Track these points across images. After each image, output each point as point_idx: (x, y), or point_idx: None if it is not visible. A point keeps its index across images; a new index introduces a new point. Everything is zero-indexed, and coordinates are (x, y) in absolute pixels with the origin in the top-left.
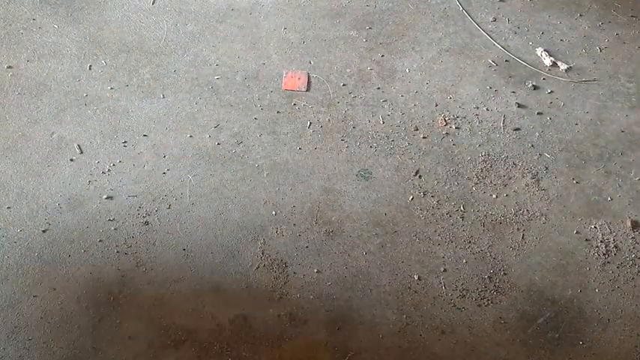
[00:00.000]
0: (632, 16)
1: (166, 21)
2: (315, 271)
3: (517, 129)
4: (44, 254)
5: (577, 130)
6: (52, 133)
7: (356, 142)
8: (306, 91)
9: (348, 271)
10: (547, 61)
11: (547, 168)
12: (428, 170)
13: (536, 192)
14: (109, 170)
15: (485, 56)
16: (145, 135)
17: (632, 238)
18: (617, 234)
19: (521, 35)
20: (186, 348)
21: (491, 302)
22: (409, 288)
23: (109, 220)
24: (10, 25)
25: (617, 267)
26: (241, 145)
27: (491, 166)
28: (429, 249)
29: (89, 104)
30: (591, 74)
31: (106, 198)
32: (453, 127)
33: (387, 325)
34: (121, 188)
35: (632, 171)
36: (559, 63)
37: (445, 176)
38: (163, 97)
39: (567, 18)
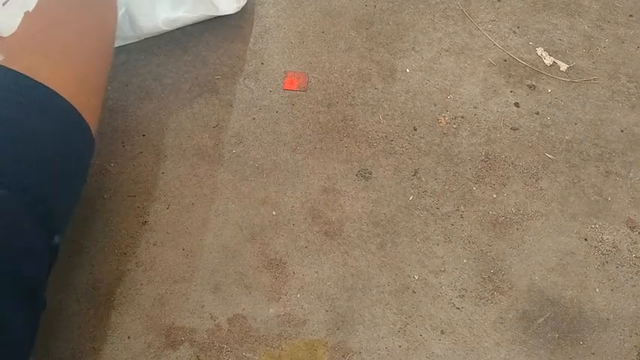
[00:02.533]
0: (631, 15)
1: None
2: (315, 271)
3: (516, 129)
4: None
5: (577, 130)
6: None
7: (356, 142)
8: (306, 91)
9: (348, 271)
10: (547, 60)
11: (547, 168)
12: (427, 170)
13: (535, 192)
14: (108, 170)
15: (485, 56)
16: (143, 135)
17: (632, 238)
18: (616, 234)
19: (521, 35)
20: (186, 348)
21: (491, 302)
22: (409, 288)
23: (108, 219)
24: None
25: (617, 267)
26: (241, 145)
27: (490, 166)
28: (429, 249)
29: None
30: (591, 74)
31: (105, 198)
32: (453, 127)
33: (387, 325)
34: (120, 188)
35: (632, 171)
36: (559, 63)
37: (445, 176)
38: (163, 97)
39: (567, 18)
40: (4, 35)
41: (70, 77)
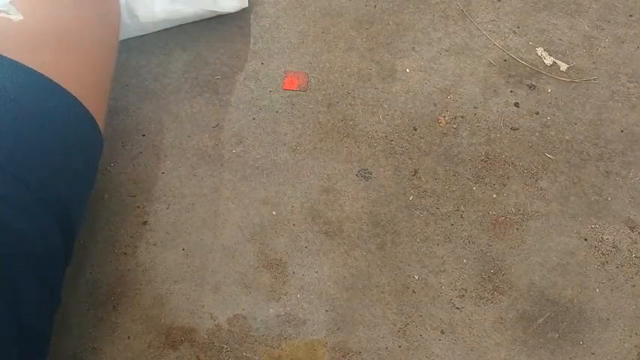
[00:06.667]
0: (631, 15)
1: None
2: (315, 271)
3: (516, 129)
4: None
5: (577, 130)
6: None
7: (356, 142)
8: (306, 91)
9: (348, 271)
10: (547, 60)
11: (546, 168)
12: (427, 170)
13: (535, 192)
14: (108, 170)
15: (485, 56)
16: (143, 135)
17: (632, 238)
18: (616, 234)
19: (521, 35)
20: (186, 348)
21: (491, 302)
22: (409, 288)
23: (108, 219)
24: None
25: (617, 267)
26: (241, 145)
27: (490, 166)
28: (429, 249)
29: None
30: (591, 74)
31: (105, 198)
32: (453, 127)
33: (387, 325)
34: (120, 188)
35: (632, 171)
36: (559, 63)
37: (445, 176)
38: (163, 97)
39: (567, 18)
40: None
41: (77, 76)
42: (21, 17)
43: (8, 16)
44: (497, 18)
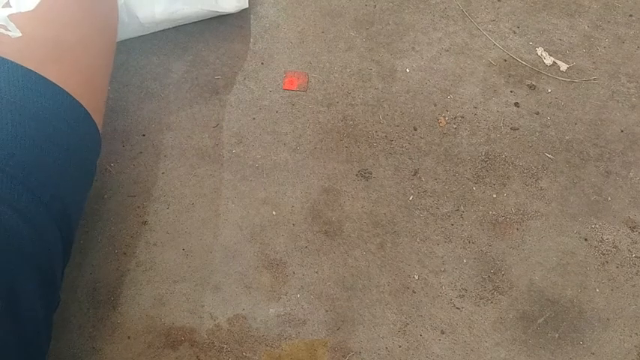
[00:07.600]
0: (631, 15)
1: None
2: (315, 271)
3: (516, 129)
4: None
5: (577, 130)
6: None
7: (356, 142)
8: (306, 91)
9: (348, 271)
10: (547, 60)
11: (547, 168)
12: (427, 170)
13: (535, 192)
14: (108, 170)
15: (485, 56)
16: (143, 135)
17: (632, 238)
18: (616, 234)
19: (521, 35)
20: (186, 348)
21: (491, 302)
22: (409, 288)
23: (108, 219)
24: None
25: (617, 267)
26: (241, 145)
27: (490, 166)
28: (429, 249)
29: None
30: (591, 74)
31: (105, 198)
32: (453, 127)
33: (387, 325)
34: (120, 188)
35: (632, 171)
36: (559, 63)
37: (444, 176)
38: (163, 97)
39: (567, 18)
40: (27, 9)
41: (77, 78)
42: (19, 34)
43: (7, 32)
44: (497, 18)
